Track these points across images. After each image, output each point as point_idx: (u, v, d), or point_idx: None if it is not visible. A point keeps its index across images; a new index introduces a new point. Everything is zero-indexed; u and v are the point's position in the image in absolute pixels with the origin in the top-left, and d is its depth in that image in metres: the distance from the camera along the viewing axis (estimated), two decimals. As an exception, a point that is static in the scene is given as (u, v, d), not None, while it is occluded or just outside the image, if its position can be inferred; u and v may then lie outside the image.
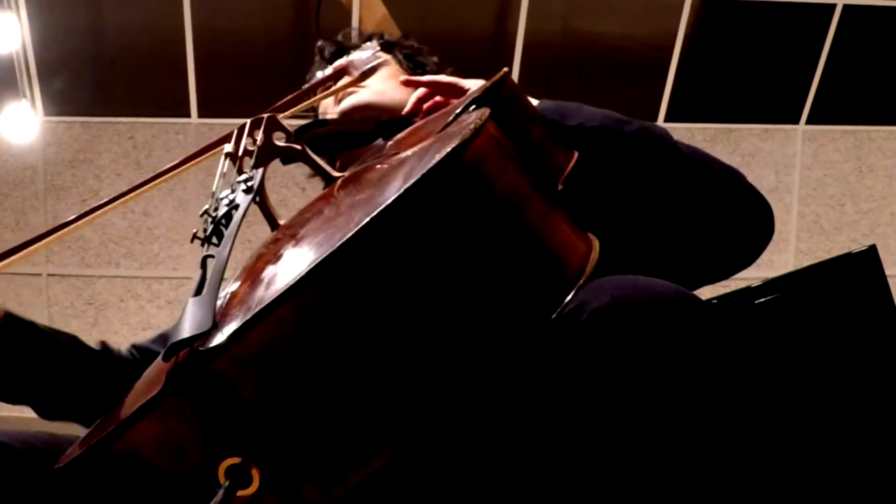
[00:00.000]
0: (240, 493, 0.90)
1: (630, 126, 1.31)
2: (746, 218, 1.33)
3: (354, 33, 1.72)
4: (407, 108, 1.43)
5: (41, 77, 5.74)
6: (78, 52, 5.82)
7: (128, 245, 5.99)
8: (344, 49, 1.67)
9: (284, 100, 1.43)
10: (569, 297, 0.98)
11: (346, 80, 1.53)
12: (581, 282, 1.00)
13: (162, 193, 5.90)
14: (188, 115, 5.90)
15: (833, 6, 5.84)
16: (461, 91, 1.39)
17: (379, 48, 1.62)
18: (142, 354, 1.46)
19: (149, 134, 5.98)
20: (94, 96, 5.97)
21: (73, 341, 1.42)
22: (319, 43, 1.70)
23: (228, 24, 5.83)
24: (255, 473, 0.91)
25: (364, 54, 1.61)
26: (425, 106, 1.42)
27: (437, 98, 1.42)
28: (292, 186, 5.38)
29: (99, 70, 5.91)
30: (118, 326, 5.87)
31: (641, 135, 1.31)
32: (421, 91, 1.44)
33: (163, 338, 1.48)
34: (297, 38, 5.81)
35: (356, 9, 5.35)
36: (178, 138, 5.92)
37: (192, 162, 1.37)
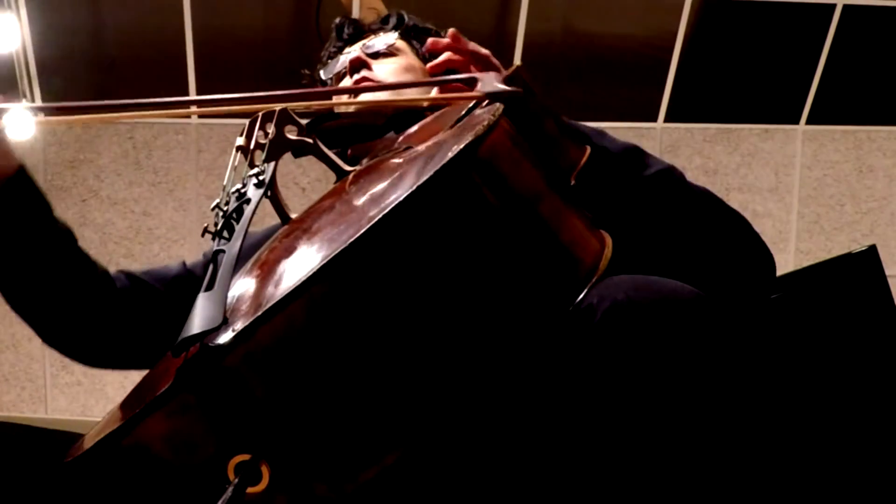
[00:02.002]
0: (250, 489, 0.91)
1: (650, 169, 1.31)
2: (749, 265, 1.34)
3: (370, 14, 1.71)
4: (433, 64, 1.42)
5: (41, 77, 5.73)
6: (78, 52, 5.81)
7: (128, 245, 5.98)
8: (362, 31, 1.67)
9: (305, 91, 1.42)
10: (582, 294, 0.99)
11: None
12: (594, 279, 1.00)
13: (162, 193, 5.90)
14: (188, 116, 5.89)
15: (833, 6, 5.84)
16: (490, 65, 1.37)
17: (398, 36, 1.61)
18: (130, 280, 1.43)
19: (149, 134, 5.97)
20: (94, 96, 5.96)
21: (70, 232, 1.39)
22: (338, 20, 1.69)
23: (228, 24, 5.82)
24: (264, 470, 0.91)
25: (379, 41, 1.60)
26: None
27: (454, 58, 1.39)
28: (293, 186, 5.37)
29: (99, 70, 5.90)
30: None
31: (663, 174, 1.31)
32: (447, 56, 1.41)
33: (152, 274, 1.46)
34: (297, 38, 5.80)
35: (356, 9, 5.35)
36: (178, 138, 5.91)
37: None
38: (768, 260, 1.35)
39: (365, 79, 1.53)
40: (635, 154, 1.32)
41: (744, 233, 1.34)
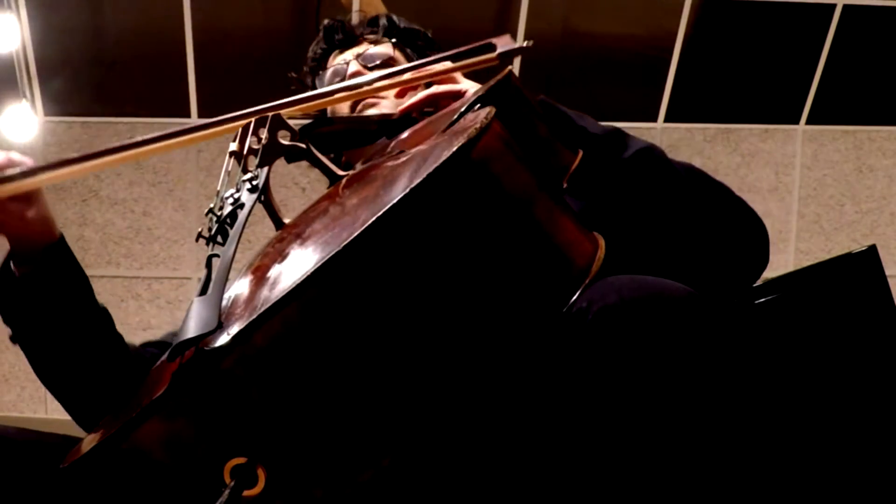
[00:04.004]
0: (246, 492, 0.90)
1: (629, 150, 1.31)
2: (742, 242, 1.34)
3: (358, 16, 1.70)
4: (398, 112, 1.43)
5: (41, 77, 5.74)
6: (78, 52, 5.82)
7: (128, 245, 5.98)
8: (353, 36, 1.66)
9: (299, 97, 1.41)
10: (576, 296, 0.98)
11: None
12: (587, 280, 1.00)
13: (162, 193, 5.90)
14: (188, 116, 5.89)
15: (833, 6, 5.84)
16: (458, 95, 1.38)
17: (392, 47, 1.61)
18: (159, 349, 1.42)
19: (148, 134, 5.97)
20: (94, 96, 5.97)
21: (105, 311, 1.38)
22: (327, 22, 1.68)
23: (228, 24, 5.82)
24: (260, 473, 0.91)
25: (375, 52, 1.60)
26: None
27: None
28: (292, 186, 5.38)
29: (99, 70, 5.91)
30: (118, 326, 5.86)
31: (642, 154, 1.31)
32: (416, 101, 1.42)
33: (174, 334, 1.46)
34: (297, 38, 5.80)
35: (356, 9, 5.35)
36: (178, 138, 5.91)
37: (197, 135, 1.35)
38: (759, 227, 1.35)
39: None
40: (615, 135, 1.32)
41: (730, 202, 1.34)
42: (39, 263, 1.30)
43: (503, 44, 1.37)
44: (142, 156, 1.33)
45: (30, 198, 1.28)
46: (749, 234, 1.35)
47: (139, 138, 1.33)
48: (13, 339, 1.36)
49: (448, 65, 1.42)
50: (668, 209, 1.30)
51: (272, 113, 1.22)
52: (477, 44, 1.43)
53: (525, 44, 1.36)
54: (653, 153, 1.32)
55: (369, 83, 1.43)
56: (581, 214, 1.24)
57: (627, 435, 0.96)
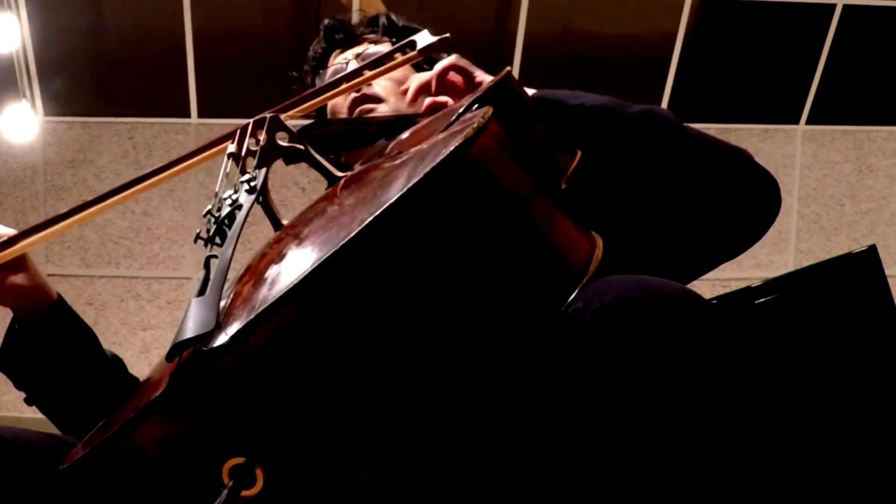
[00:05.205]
0: (244, 493, 0.91)
1: (632, 108, 1.31)
2: (753, 192, 1.33)
3: (359, 16, 1.70)
4: (408, 99, 1.42)
5: (41, 77, 5.74)
6: (78, 52, 5.82)
7: (128, 245, 5.98)
8: (353, 35, 1.66)
9: (297, 97, 1.42)
10: (573, 296, 0.98)
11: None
12: (585, 280, 1.00)
13: (162, 193, 5.90)
14: (188, 116, 5.90)
15: (833, 6, 5.84)
16: (471, 78, 1.38)
17: (393, 46, 1.61)
18: None
19: (149, 134, 5.98)
20: (94, 96, 5.97)
21: (116, 358, 1.41)
22: (327, 22, 1.68)
23: (228, 24, 5.83)
24: (259, 473, 0.91)
25: (375, 49, 1.60)
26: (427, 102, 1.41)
27: (439, 99, 1.41)
28: (293, 187, 5.38)
29: (99, 70, 5.91)
30: (118, 326, 5.87)
31: (644, 116, 1.31)
32: (424, 79, 1.42)
33: None
34: (297, 38, 5.80)
35: (356, 8, 5.36)
36: (178, 138, 5.92)
37: (192, 160, 1.36)
38: (771, 185, 1.35)
39: (364, 95, 1.53)
40: (614, 101, 1.32)
41: (740, 161, 1.33)
42: (43, 327, 1.35)
43: (423, 40, 1.40)
44: (123, 200, 1.35)
45: (16, 265, 1.32)
46: (756, 178, 1.34)
47: (117, 185, 1.35)
48: (28, 401, 1.39)
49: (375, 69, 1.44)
50: (676, 157, 1.29)
51: (270, 114, 1.22)
52: (399, 43, 1.47)
53: (441, 36, 1.39)
54: (653, 111, 1.32)
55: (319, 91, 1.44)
56: (584, 204, 1.24)
57: (625, 435, 0.96)
